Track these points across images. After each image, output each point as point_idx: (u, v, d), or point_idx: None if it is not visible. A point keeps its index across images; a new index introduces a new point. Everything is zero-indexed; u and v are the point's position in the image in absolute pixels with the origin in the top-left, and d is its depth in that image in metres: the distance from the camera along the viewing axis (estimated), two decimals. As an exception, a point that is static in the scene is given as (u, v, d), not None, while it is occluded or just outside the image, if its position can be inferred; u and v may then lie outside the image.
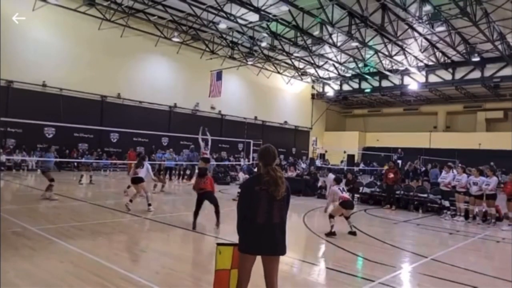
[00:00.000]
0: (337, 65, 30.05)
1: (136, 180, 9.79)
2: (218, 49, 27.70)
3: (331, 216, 7.74)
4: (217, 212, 7.80)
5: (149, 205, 9.56)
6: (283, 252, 3.20)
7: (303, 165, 28.17)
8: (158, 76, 26.55)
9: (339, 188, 8.02)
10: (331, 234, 7.58)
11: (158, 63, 26.61)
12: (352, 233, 7.79)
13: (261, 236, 3.10)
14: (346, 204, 7.74)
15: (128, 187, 11.74)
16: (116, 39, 23.55)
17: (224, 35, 25.98)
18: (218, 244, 3.38)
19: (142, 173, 9.81)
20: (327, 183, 11.52)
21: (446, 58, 27.26)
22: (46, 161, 11.92)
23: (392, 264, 5.99)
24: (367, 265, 5.95)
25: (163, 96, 26.55)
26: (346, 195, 8.00)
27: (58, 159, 18.69)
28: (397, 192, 13.11)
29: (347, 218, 7.89)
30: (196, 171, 13.68)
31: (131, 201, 9.52)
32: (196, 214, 7.79)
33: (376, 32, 21.56)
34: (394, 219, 10.69)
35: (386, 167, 13.49)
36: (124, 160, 21.77)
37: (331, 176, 11.90)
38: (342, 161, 34.41)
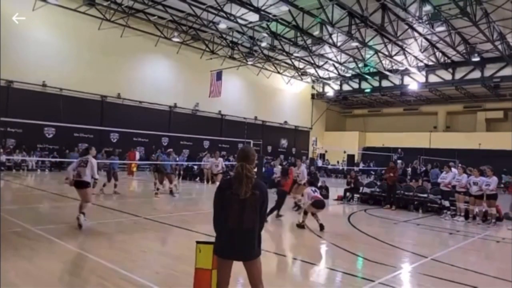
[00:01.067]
0: (337, 65, 30.04)
1: (80, 185, 7.32)
2: (218, 49, 27.69)
3: (305, 213, 8.53)
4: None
5: (82, 213, 7.14)
6: (254, 256, 3.17)
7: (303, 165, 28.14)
8: (158, 76, 26.54)
9: (311, 189, 8.72)
10: (301, 226, 8.40)
11: (158, 63, 26.59)
12: (321, 227, 8.27)
13: (232, 241, 3.09)
14: (317, 204, 8.43)
15: (104, 185, 11.92)
16: (116, 39, 23.54)
17: (224, 35, 25.98)
18: (198, 242, 3.38)
19: (87, 173, 7.31)
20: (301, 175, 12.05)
21: (446, 58, 27.25)
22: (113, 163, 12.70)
23: (392, 264, 5.99)
24: (367, 265, 5.95)
25: (163, 96, 26.54)
26: (318, 195, 8.74)
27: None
28: (398, 192, 13.10)
29: (314, 214, 8.51)
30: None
31: (83, 213, 7.16)
32: None
33: (376, 32, 21.55)
34: (394, 219, 10.69)
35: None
36: (124, 160, 21.74)
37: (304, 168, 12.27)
38: (338, 162, 34.37)
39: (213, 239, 3.26)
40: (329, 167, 32.80)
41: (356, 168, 30.00)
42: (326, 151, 36.57)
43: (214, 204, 3.22)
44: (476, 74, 27.77)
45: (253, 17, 20.55)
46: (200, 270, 3.34)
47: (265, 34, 24.07)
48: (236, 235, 3.08)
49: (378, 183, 15.10)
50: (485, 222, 10.41)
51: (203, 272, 3.33)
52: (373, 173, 28.74)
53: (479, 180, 10.32)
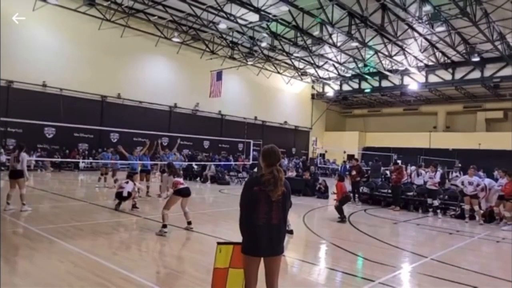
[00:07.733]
0: (337, 65, 30.04)
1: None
2: (218, 49, 27.69)
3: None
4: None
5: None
6: (281, 251, 3.22)
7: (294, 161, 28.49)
8: (158, 76, 26.55)
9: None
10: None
11: (158, 63, 26.60)
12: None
13: (261, 238, 3.10)
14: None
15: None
16: (116, 39, 23.55)
17: (224, 35, 25.98)
18: (219, 243, 3.40)
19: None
20: None
21: (446, 58, 27.25)
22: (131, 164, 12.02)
23: (392, 264, 5.99)
24: (367, 265, 5.95)
25: (163, 96, 26.55)
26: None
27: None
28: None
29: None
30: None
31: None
32: None
33: (376, 32, 21.55)
34: (394, 219, 10.69)
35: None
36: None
37: None
38: (344, 161, 34.42)
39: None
40: (329, 167, 32.78)
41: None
42: (326, 151, 36.57)
43: (243, 202, 3.21)
44: (476, 74, 27.77)
45: (253, 17, 20.55)
46: (218, 269, 3.34)
47: (265, 34, 24.08)
48: (266, 231, 3.10)
49: (379, 182, 15.05)
50: (492, 222, 10.38)
51: (221, 271, 3.33)
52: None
53: (474, 180, 10.41)
